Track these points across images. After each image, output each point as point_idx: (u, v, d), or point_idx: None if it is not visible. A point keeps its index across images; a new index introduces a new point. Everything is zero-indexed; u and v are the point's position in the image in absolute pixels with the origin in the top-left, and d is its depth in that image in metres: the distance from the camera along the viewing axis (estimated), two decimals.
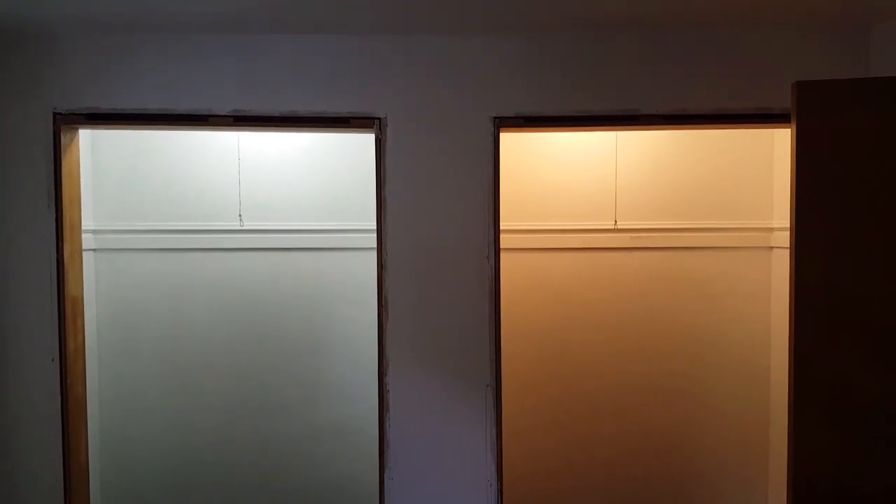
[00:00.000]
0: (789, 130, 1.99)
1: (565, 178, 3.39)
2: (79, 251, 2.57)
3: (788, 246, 2.00)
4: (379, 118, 2.47)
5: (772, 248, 3.35)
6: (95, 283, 3.36)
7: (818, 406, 1.78)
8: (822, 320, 1.79)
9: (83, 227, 2.65)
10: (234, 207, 3.41)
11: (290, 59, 2.46)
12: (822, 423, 1.78)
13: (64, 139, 2.45)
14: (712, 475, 3.41)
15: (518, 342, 3.33)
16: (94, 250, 3.34)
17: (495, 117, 2.47)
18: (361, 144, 3.33)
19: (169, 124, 2.51)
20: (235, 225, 3.41)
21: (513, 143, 3.32)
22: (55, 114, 2.42)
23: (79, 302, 2.57)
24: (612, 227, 3.37)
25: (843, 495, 1.76)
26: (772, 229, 3.35)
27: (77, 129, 2.54)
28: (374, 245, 2.52)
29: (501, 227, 2.52)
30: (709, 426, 3.40)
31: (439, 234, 2.48)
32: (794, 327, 1.81)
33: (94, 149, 3.37)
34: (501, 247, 2.53)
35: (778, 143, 3.34)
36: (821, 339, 1.79)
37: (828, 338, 1.79)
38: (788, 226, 2.01)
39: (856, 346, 1.77)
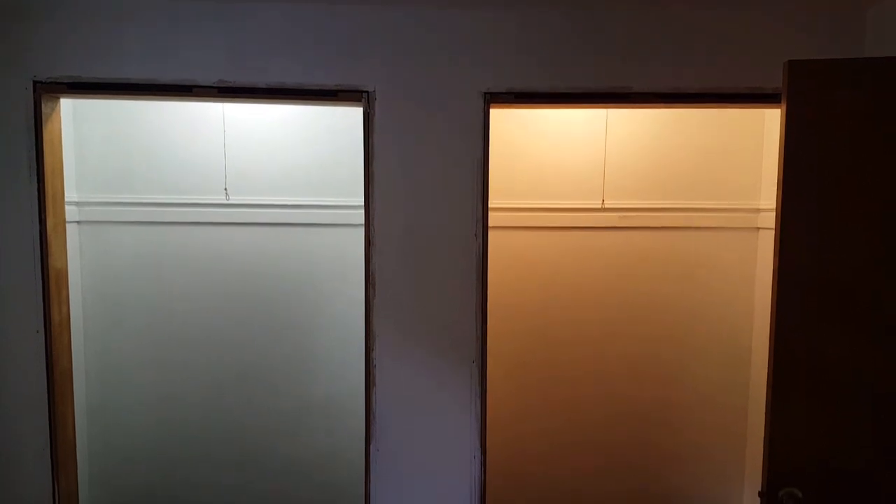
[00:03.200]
0: (780, 110, 1.98)
1: (554, 156, 3.37)
2: (62, 223, 2.54)
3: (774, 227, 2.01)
4: (367, 91, 2.43)
5: (758, 229, 3.37)
6: (80, 255, 3.32)
7: (799, 388, 1.81)
8: (806, 302, 1.81)
9: (67, 199, 2.61)
10: (219, 181, 3.37)
11: (278, 29, 2.40)
12: (802, 405, 1.80)
13: (45, 108, 2.40)
14: (689, 456, 3.47)
15: (503, 320, 3.35)
16: (77, 222, 3.30)
17: (486, 92, 2.44)
18: (351, 118, 3.29)
19: (152, 94, 2.46)
20: (221, 199, 3.37)
21: (502, 120, 3.29)
22: (35, 82, 2.36)
23: (63, 274, 2.54)
24: (600, 206, 3.37)
25: (824, 477, 1.79)
26: (759, 210, 3.36)
27: (58, 98, 2.48)
28: (363, 221, 2.50)
29: (489, 205, 2.51)
30: (689, 407, 3.45)
31: (428, 210, 2.47)
32: (776, 308, 1.82)
33: (76, 119, 3.30)
34: (489, 224, 2.52)
35: (768, 124, 3.33)
36: (804, 322, 1.80)
37: (811, 320, 1.80)
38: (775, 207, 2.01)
39: (839, 329, 1.79)
